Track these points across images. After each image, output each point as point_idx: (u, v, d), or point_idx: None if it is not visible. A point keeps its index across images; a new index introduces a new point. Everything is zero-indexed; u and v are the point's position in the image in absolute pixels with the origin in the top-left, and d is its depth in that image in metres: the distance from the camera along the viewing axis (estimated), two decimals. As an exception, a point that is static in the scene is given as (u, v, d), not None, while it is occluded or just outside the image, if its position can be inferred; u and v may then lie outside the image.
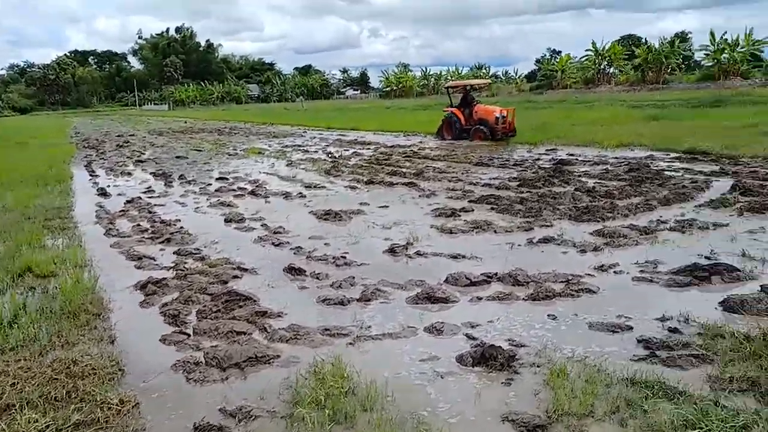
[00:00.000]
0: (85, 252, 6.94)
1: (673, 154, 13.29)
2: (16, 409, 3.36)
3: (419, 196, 9.93)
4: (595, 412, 3.19)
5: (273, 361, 4.00)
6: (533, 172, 11.64)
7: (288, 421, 3.23)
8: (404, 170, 12.92)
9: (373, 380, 3.56)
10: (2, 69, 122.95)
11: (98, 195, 11.60)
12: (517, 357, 3.85)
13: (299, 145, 21.14)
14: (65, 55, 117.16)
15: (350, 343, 4.23)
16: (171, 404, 3.50)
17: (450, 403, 3.38)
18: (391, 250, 6.54)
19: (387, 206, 9.15)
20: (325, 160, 16.00)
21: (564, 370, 3.60)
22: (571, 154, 14.30)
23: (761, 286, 4.86)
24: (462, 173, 12.21)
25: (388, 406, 3.34)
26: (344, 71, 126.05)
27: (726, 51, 51.19)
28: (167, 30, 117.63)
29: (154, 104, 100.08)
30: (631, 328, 4.27)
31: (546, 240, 6.71)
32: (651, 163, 12.08)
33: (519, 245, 6.65)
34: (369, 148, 18.71)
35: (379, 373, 3.70)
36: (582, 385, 3.44)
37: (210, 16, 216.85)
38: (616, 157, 13.34)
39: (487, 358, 3.80)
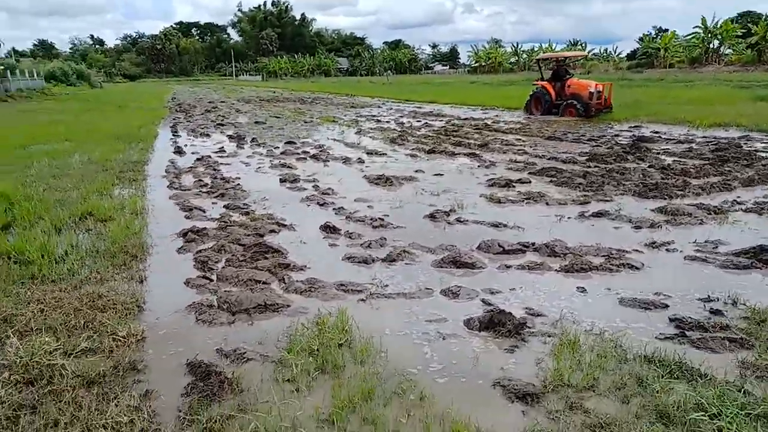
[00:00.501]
0: (144, 201, 7.32)
1: (774, 135, 11.96)
2: (34, 333, 3.60)
3: (478, 166, 9.59)
4: (597, 386, 2.92)
5: (282, 310, 4.01)
6: (607, 148, 10.89)
7: (277, 366, 3.23)
8: (470, 141, 12.54)
9: (371, 335, 3.48)
10: (117, 39, 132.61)
11: (174, 153, 12.19)
12: (528, 325, 3.60)
13: (373, 116, 21.12)
14: (171, 26, 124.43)
15: (362, 300, 4.15)
16: (173, 341, 3.60)
17: (444, 364, 3.22)
18: (432, 216, 6.36)
19: (441, 174, 8.92)
20: (394, 129, 15.88)
21: (576, 342, 3.33)
22: (656, 132, 13.24)
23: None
24: (530, 146, 11.66)
25: (379, 361, 3.24)
26: (434, 46, 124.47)
27: None
28: (264, 3, 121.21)
29: (249, 75, 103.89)
30: (667, 306, 3.88)
31: (599, 214, 6.26)
32: (745, 143, 10.93)
33: (568, 218, 6.24)
34: (441, 120, 18.35)
35: (381, 330, 3.61)
36: (591, 359, 3.17)
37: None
38: (705, 137, 12.19)
39: (496, 323, 3.59)
